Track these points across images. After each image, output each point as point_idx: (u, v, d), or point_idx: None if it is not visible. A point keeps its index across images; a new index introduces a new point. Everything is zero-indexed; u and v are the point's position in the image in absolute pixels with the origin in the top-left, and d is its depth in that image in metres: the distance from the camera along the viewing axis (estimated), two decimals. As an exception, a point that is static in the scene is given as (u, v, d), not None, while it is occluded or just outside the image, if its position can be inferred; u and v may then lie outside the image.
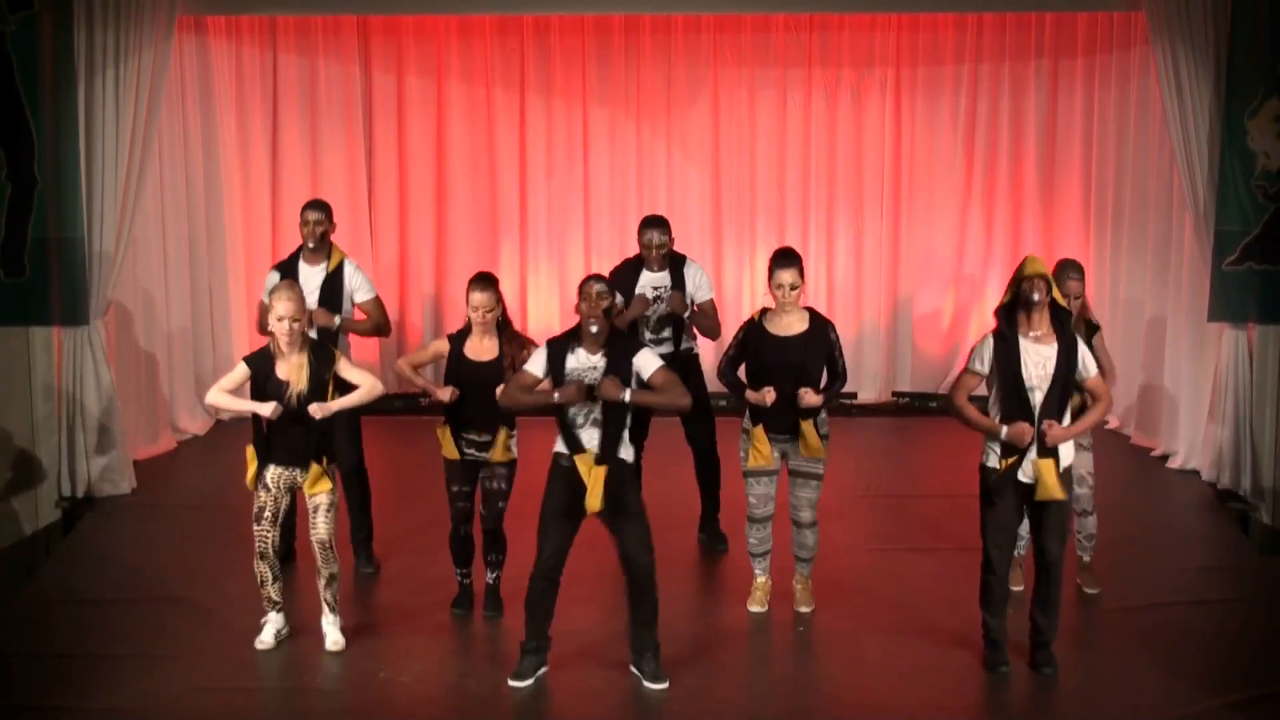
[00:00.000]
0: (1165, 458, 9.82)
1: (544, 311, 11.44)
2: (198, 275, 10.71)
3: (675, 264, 7.96)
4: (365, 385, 6.76)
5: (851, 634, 7.06)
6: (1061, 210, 11.17)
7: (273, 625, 6.87)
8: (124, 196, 9.02)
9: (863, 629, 7.10)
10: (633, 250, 11.73)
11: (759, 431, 7.02)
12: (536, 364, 6.40)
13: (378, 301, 7.83)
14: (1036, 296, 6.30)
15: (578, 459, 6.30)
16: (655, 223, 7.99)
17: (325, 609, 6.87)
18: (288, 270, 7.75)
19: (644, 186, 11.38)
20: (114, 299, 9.27)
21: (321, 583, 6.83)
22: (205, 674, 6.65)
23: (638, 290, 7.89)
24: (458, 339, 7.03)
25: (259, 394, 6.67)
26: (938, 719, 6.30)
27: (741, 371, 7.12)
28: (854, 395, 11.29)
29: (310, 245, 7.73)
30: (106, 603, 7.49)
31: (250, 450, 6.79)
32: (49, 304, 8.95)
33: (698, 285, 7.96)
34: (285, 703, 6.45)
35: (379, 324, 7.83)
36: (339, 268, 7.74)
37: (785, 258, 6.97)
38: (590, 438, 6.32)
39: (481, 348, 6.97)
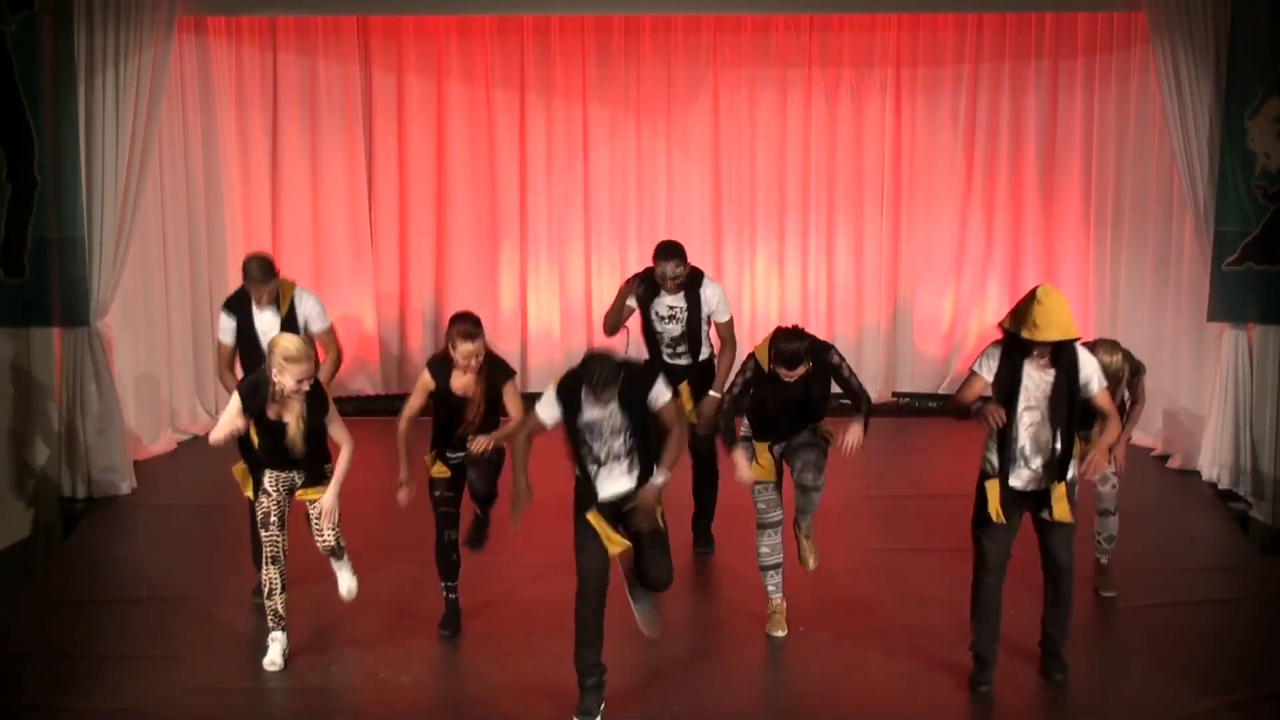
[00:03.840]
0: (1165, 458, 9.82)
1: (544, 312, 11.44)
2: (198, 275, 10.70)
3: (692, 282, 7.77)
4: (345, 452, 6.69)
5: (851, 634, 7.06)
6: (1061, 210, 11.16)
7: (279, 644, 6.76)
8: (124, 197, 9.02)
9: (863, 629, 7.10)
10: (633, 251, 11.70)
11: (761, 447, 7.00)
12: (547, 411, 6.23)
13: (332, 332, 7.66)
14: (1037, 353, 6.15)
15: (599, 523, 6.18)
16: (671, 254, 7.69)
17: (334, 560, 6.84)
18: (239, 309, 7.57)
19: (644, 186, 11.38)
20: (114, 299, 9.27)
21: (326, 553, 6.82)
22: (205, 674, 6.66)
23: (652, 311, 7.77)
24: (441, 372, 6.87)
25: (258, 425, 6.59)
26: (938, 719, 6.30)
27: None
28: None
29: (265, 301, 7.50)
30: (106, 603, 7.50)
31: (239, 468, 6.78)
32: (49, 304, 8.95)
33: (715, 307, 7.80)
34: (285, 703, 6.45)
35: (335, 357, 7.61)
36: (291, 305, 7.53)
37: (795, 359, 6.69)
38: (612, 472, 6.24)
39: (466, 383, 6.86)
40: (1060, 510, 6.28)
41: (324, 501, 6.67)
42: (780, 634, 7.10)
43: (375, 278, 11.28)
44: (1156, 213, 10.13)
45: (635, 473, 6.27)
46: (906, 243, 11.38)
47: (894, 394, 11.49)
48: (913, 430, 10.91)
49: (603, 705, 6.27)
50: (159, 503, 9.14)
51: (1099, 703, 6.37)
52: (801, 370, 6.71)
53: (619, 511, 6.29)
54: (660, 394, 6.25)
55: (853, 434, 6.81)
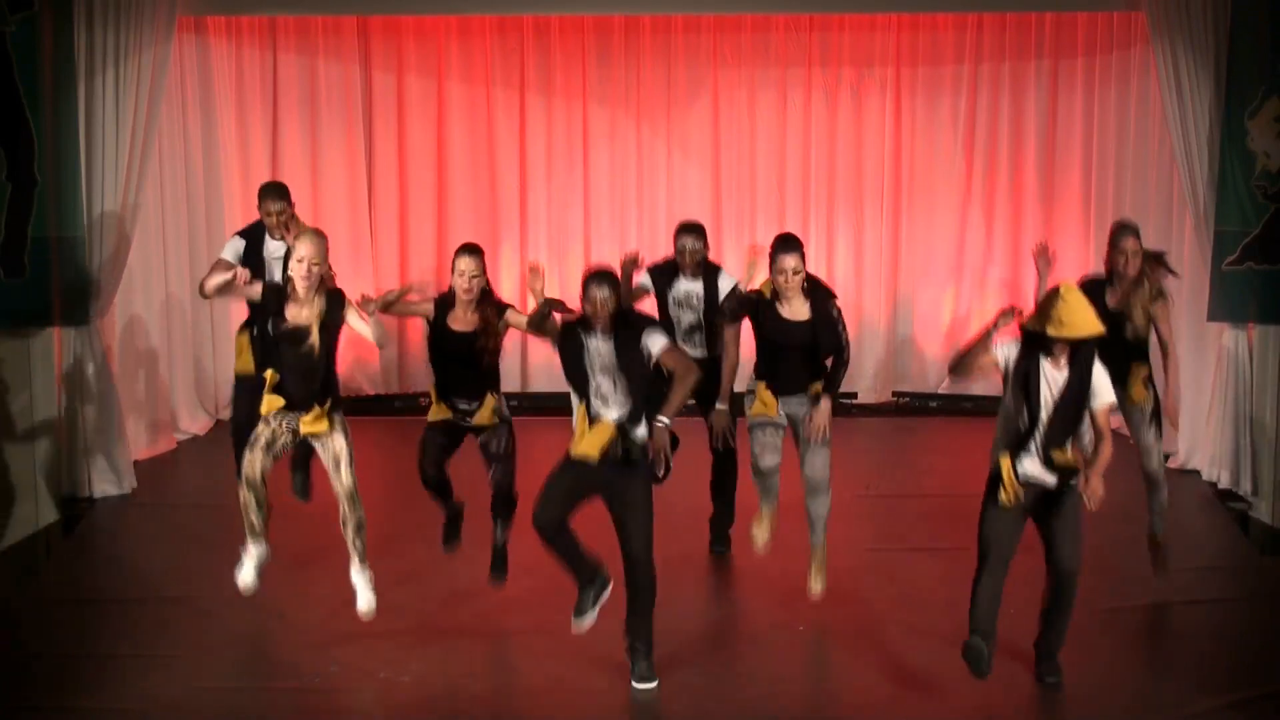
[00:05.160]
0: (1165, 457, 9.77)
1: (544, 311, 11.44)
2: (198, 275, 10.64)
3: (710, 273, 7.81)
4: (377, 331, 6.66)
5: (851, 634, 7.06)
6: (1061, 210, 11.18)
7: (253, 559, 6.64)
8: (124, 196, 9.03)
9: (863, 629, 7.10)
10: (632, 250, 11.64)
11: (762, 386, 7.03)
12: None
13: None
14: (1057, 350, 6.01)
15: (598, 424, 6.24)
16: (691, 229, 7.82)
17: (355, 560, 6.66)
18: (251, 238, 7.72)
19: (644, 186, 11.40)
20: (114, 299, 9.27)
21: (350, 531, 6.59)
22: (206, 673, 6.65)
23: (670, 296, 7.79)
24: (442, 307, 6.95)
25: (262, 315, 6.63)
26: (937, 719, 6.30)
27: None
28: (854, 395, 11.31)
29: (277, 237, 7.67)
30: (106, 603, 7.50)
31: (244, 339, 6.70)
32: (49, 304, 8.95)
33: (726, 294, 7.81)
34: (285, 703, 6.44)
35: None
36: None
37: (787, 243, 6.90)
38: (598, 413, 6.27)
39: (465, 319, 6.91)
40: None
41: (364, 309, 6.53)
42: (763, 536, 7.15)
43: (375, 277, 11.29)
44: (1156, 213, 10.13)
45: (617, 415, 6.26)
46: (906, 242, 11.40)
47: (894, 394, 11.50)
48: (913, 430, 10.93)
49: (600, 597, 6.41)
50: (159, 503, 9.14)
51: (1098, 702, 6.36)
52: (796, 258, 6.80)
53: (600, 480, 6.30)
54: (653, 340, 6.24)
55: (820, 414, 6.90)
